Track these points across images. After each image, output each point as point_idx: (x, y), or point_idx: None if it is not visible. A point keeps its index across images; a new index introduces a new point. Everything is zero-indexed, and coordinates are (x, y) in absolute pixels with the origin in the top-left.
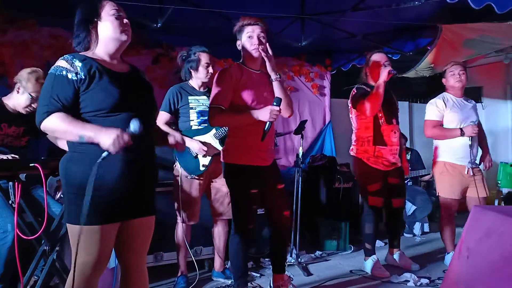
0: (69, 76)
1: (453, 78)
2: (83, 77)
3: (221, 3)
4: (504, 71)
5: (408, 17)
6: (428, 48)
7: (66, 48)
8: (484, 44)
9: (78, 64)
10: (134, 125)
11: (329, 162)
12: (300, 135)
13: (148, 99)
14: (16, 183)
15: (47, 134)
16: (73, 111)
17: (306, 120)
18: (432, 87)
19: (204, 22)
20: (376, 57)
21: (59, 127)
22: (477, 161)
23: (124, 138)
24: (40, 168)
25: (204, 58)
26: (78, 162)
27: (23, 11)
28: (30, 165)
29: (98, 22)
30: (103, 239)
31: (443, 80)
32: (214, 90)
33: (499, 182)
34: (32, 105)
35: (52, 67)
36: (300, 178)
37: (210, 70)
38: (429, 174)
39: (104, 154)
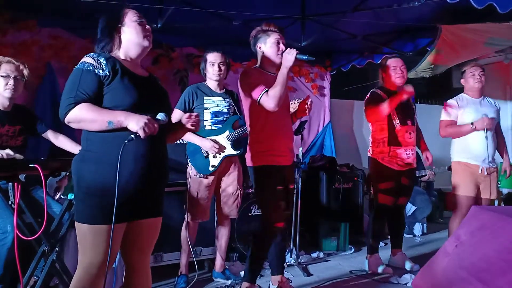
0: (96, 71)
1: (473, 79)
2: (108, 73)
3: (221, 4)
4: (504, 72)
5: (408, 17)
6: (428, 48)
7: (66, 48)
8: (486, 45)
9: (103, 61)
10: (161, 115)
11: (329, 162)
12: (299, 136)
13: (165, 104)
14: (16, 183)
15: (45, 132)
16: (98, 103)
17: (306, 121)
18: (432, 88)
19: (204, 23)
20: (392, 62)
21: (86, 116)
22: (492, 161)
23: (154, 124)
24: (39, 169)
25: (209, 57)
26: (90, 161)
27: (23, 11)
28: (30, 165)
29: (122, 28)
30: (111, 238)
31: (462, 81)
32: (253, 85)
33: (499, 182)
34: (8, 84)
35: (79, 63)
36: (300, 178)
37: (216, 68)
38: (426, 175)
39: (132, 136)
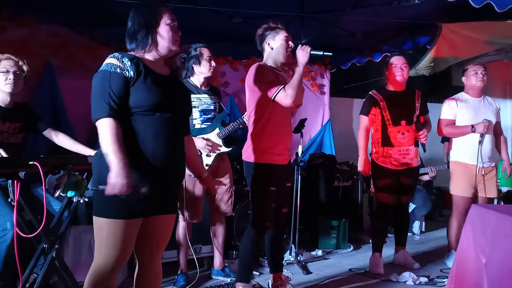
0: (122, 73)
1: (476, 77)
2: (133, 75)
3: (221, 1)
4: (504, 70)
5: (408, 15)
6: (428, 46)
7: (65, 45)
8: (488, 43)
9: (127, 62)
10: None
11: (329, 160)
12: (299, 134)
13: (185, 102)
14: (16, 181)
15: (45, 130)
16: (124, 104)
17: (306, 119)
18: (432, 86)
19: (204, 20)
20: (394, 60)
21: (103, 135)
22: (489, 160)
23: (123, 190)
24: (39, 166)
25: (206, 52)
26: None
27: (22, 8)
28: (29, 163)
29: (157, 29)
30: (127, 233)
31: (463, 79)
32: (268, 80)
33: (499, 180)
34: (8, 78)
35: (104, 64)
36: (299, 176)
37: (213, 63)
38: (427, 173)
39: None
